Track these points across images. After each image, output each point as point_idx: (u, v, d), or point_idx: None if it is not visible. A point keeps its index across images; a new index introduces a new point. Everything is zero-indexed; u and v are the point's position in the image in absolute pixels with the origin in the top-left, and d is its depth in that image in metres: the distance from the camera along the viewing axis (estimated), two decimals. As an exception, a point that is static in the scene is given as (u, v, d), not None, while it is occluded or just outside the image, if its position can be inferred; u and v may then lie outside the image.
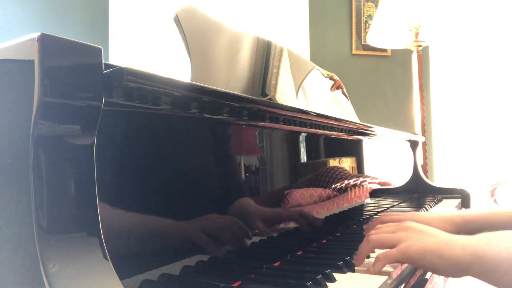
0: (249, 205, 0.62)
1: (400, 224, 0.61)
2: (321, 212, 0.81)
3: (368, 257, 0.63)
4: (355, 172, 1.02)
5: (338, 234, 0.81)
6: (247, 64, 0.92)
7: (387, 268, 0.56)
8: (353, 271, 0.56)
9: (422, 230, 0.57)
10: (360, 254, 0.59)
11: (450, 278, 0.94)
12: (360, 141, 1.08)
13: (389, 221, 0.74)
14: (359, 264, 0.58)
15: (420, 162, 1.53)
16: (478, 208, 0.78)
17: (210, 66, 0.81)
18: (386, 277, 0.53)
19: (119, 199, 0.40)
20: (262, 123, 0.64)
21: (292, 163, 0.74)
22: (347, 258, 0.58)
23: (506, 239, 0.49)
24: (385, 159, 1.27)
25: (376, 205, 1.12)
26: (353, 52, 2.66)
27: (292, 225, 0.70)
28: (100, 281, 0.31)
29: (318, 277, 0.49)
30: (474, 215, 0.74)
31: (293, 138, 0.75)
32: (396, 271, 0.57)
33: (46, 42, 0.30)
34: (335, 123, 0.84)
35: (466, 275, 0.50)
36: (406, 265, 0.60)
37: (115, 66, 0.36)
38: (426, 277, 0.67)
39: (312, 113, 0.74)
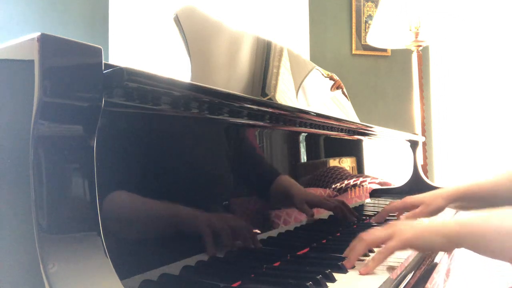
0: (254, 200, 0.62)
1: (387, 225, 0.64)
2: (321, 212, 0.81)
3: (369, 253, 0.63)
4: (355, 172, 1.02)
5: (338, 234, 0.81)
6: (247, 64, 0.92)
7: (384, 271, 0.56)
8: (353, 271, 0.56)
9: (410, 222, 0.64)
10: (354, 253, 0.60)
11: (450, 279, 0.94)
12: (360, 141, 1.08)
13: (391, 209, 0.86)
14: (351, 266, 0.58)
15: (420, 162, 1.53)
16: (462, 181, 0.88)
17: (210, 66, 0.81)
18: (386, 277, 0.53)
19: (119, 199, 0.40)
20: (262, 123, 0.64)
21: (292, 163, 0.74)
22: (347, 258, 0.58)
23: (494, 214, 0.56)
24: (385, 159, 1.27)
25: (376, 205, 1.12)
26: (353, 52, 2.66)
27: (292, 224, 0.70)
28: (100, 281, 0.31)
29: (318, 277, 0.49)
30: (458, 189, 0.85)
31: (293, 138, 0.75)
32: (396, 271, 0.57)
33: (46, 42, 0.30)
34: (335, 123, 0.84)
35: (459, 246, 0.57)
36: (407, 264, 0.60)
37: (115, 66, 0.36)
38: (426, 276, 0.66)
39: (312, 113, 0.74)
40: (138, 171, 0.43)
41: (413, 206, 0.86)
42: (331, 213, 0.85)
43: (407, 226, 0.60)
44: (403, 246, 0.59)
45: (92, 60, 0.33)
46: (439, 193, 0.85)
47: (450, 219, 0.60)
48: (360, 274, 0.56)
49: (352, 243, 0.62)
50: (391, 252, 0.58)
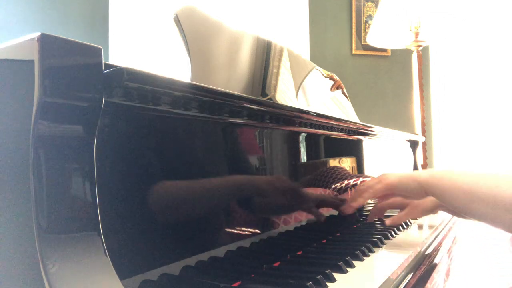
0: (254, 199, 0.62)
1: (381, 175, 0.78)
2: (321, 212, 0.81)
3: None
4: (355, 172, 1.02)
5: (338, 234, 0.81)
6: (247, 64, 0.92)
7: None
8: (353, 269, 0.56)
9: (396, 172, 0.75)
10: (352, 200, 0.75)
11: (450, 279, 0.94)
12: (360, 141, 1.08)
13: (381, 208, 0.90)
14: (357, 206, 0.76)
15: (420, 162, 1.53)
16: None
17: (210, 66, 0.81)
18: (387, 276, 0.53)
19: (119, 199, 0.40)
20: (262, 123, 0.64)
21: (292, 163, 0.74)
22: (347, 258, 0.58)
23: (459, 172, 0.66)
24: (385, 159, 1.27)
25: (376, 205, 1.12)
26: (353, 52, 2.66)
27: (292, 223, 0.70)
28: (100, 281, 0.31)
29: (318, 277, 0.49)
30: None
31: (293, 138, 0.75)
32: (396, 271, 0.57)
33: (46, 42, 0.30)
34: (335, 123, 0.84)
35: (429, 194, 0.68)
36: (407, 264, 0.60)
37: (115, 66, 0.36)
38: (426, 276, 0.67)
39: (312, 113, 0.74)
40: (138, 171, 0.43)
41: (401, 206, 0.87)
42: (329, 214, 0.85)
43: (393, 173, 0.73)
44: (387, 188, 0.72)
45: (92, 60, 0.33)
46: (416, 177, 0.84)
47: (426, 171, 0.72)
48: (352, 205, 0.74)
49: (353, 194, 0.77)
50: (376, 191, 0.72)
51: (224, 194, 0.56)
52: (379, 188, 0.72)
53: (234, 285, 0.50)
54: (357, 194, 0.77)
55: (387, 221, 0.85)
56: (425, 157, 2.00)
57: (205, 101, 0.50)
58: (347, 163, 0.97)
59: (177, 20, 0.76)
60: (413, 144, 1.51)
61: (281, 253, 0.63)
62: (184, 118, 0.49)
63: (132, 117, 0.42)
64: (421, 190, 0.68)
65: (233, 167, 0.59)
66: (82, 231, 0.31)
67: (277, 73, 1.00)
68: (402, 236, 0.81)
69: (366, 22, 2.66)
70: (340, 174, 0.93)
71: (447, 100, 2.80)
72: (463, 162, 2.70)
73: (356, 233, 0.83)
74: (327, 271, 0.52)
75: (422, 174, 0.69)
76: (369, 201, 1.10)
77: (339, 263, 0.56)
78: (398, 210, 0.90)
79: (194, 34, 0.79)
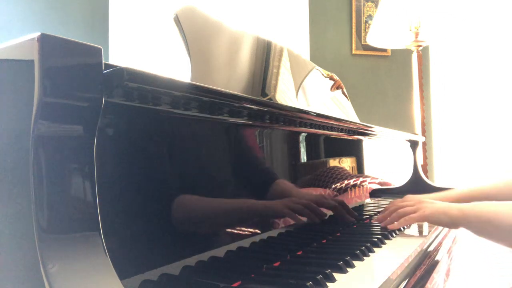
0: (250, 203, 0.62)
1: (417, 200, 0.84)
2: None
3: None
4: (355, 172, 1.02)
5: (338, 234, 0.81)
6: (247, 64, 0.92)
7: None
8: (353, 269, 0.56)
9: (432, 201, 0.82)
10: (389, 218, 0.81)
11: (450, 279, 0.94)
12: (360, 141, 1.08)
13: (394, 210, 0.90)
14: (391, 224, 0.80)
15: (420, 162, 1.53)
16: (467, 186, 0.98)
17: (210, 66, 0.81)
18: (387, 276, 0.53)
19: (119, 199, 0.40)
20: (262, 123, 0.64)
21: (292, 163, 0.74)
22: (347, 258, 0.58)
23: (483, 204, 0.74)
24: (385, 159, 1.27)
25: (376, 205, 1.12)
26: (353, 52, 2.66)
27: (292, 224, 0.70)
28: (100, 281, 0.31)
29: (318, 277, 0.49)
30: (463, 193, 0.95)
31: (293, 138, 0.75)
32: (396, 271, 0.57)
33: (46, 42, 0.30)
34: (335, 123, 0.84)
35: (459, 226, 0.76)
36: (407, 264, 0.60)
37: (115, 66, 0.36)
38: (426, 276, 0.67)
39: (312, 113, 0.74)
40: (138, 171, 0.43)
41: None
42: (329, 214, 0.85)
43: (429, 205, 0.79)
44: (421, 220, 0.78)
45: (92, 60, 0.33)
46: (439, 204, 0.83)
47: (456, 204, 0.77)
48: (389, 227, 0.79)
49: (388, 208, 0.84)
50: (412, 221, 0.79)
51: (223, 195, 0.56)
52: (414, 217, 0.78)
53: (234, 285, 0.50)
54: (393, 217, 0.81)
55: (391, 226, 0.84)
56: (425, 157, 2.00)
57: (205, 101, 0.50)
58: (347, 163, 0.97)
59: (177, 20, 0.76)
60: (413, 144, 1.51)
61: (281, 253, 0.63)
62: (184, 118, 0.49)
63: (132, 117, 0.42)
64: (452, 224, 0.76)
65: (233, 167, 0.59)
66: (82, 231, 0.31)
67: (277, 73, 1.00)
68: (402, 236, 0.81)
69: (366, 22, 2.66)
70: (340, 174, 0.93)
71: (447, 100, 2.80)
72: (463, 162, 2.70)
73: (356, 233, 0.83)
74: (327, 271, 0.51)
75: (453, 209, 0.75)
76: (369, 201, 1.10)
77: (339, 263, 0.56)
78: None
79: (194, 34, 0.79)
